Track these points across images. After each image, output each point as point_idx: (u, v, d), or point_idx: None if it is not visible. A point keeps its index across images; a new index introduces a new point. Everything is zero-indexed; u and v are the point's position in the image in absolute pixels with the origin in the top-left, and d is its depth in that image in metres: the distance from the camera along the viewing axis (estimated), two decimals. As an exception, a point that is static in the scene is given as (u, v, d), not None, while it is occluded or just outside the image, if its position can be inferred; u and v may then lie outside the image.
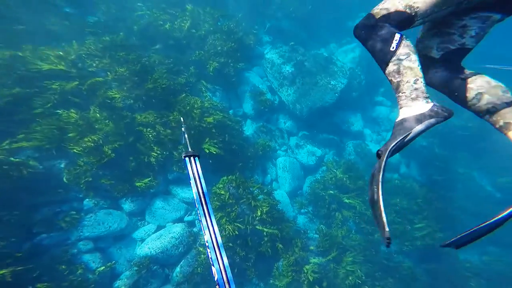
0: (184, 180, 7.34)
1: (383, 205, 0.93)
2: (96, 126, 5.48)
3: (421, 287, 7.14)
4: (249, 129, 8.86)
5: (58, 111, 5.57)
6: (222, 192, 5.98)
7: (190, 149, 1.64)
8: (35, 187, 5.49)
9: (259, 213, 5.88)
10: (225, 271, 1.13)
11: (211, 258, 1.15)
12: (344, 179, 8.24)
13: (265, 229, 5.86)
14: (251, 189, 6.75)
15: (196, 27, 8.84)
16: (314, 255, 6.82)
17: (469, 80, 1.10)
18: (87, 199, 6.20)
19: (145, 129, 5.85)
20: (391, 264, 7.36)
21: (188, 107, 6.52)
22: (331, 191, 8.02)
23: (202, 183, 1.40)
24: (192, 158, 1.54)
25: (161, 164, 6.53)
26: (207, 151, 6.25)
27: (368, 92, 10.75)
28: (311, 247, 6.92)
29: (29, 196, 5.36)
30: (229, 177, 6.56)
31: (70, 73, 5.94)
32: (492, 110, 1.03)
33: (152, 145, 5.93)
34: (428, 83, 1.28)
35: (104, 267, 5.83)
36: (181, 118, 2.30)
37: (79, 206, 6.16)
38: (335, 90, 9.17)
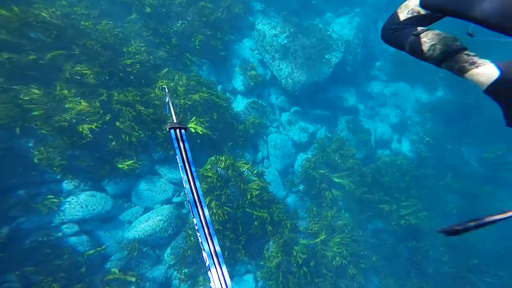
0: (170, 160, 7.05)
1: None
2: (67, 105, 5.01)
3: (402, 263, 7.42)
4: (239, 105, 8.46)
5: (15, 86, 5.03)
6: (210, 174, 5.77)
7: (175, 120, 1.51)
8: (3, 168, 5.16)
9: (248, 197, 5.76)
10: (216, 255, 1.09)
11: (201, 242, 1.11)
12: (336, 158, 8.14)
13: (255, 212, 5.78)
14: (241, 169, 6.58)
15: None
16: (303, 236, 6.88)
17: (421, 35, 1.21)
18: (66, 181, 5.92)
19: (124, 108, 5.41)
20: (375, 242, 7.56)
21: (171, 84, 6.06)
22: (321, 170, 7.95)
23: (189, 159, 1.33)
24: (178, 130, 1.41)
25: (144, 144, 6.20)
26: (193, 131, 5.93)
27: (363, 66, 10.30)
28: (301, 228, 6.98)
29: (-1, 178, 5.06)
30: (217, 157, 6.33)
31: (21, 44, 5.25)
32: (446, 57, 1.14)
33: (133, 124, 5.53)
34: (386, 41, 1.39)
35: (93, 251, 5.74)
36: (165, 86, 2.18)
37: (57, 188, 5.89)
38: (329, 64, 8.70)
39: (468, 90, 9.75)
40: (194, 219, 1.19)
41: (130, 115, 5.35)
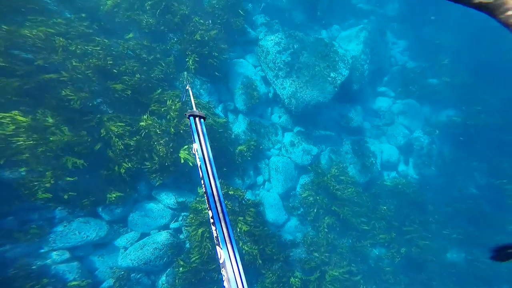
0: (168, 186, 6.80)
1: None
2: (51, 138, 4.72)
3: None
4: (240, 125, 8.14)
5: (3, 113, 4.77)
6: (202, 207, 5.46)
7: (195, 109, 1.53)
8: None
9: (243, 229, 5.42)
10: (232, 247, 1.09)
11: (216, 237, 1.11)
12: (334, 185, 7.87)
13: (245, 248, 5.45)
14: (236, 196, 6.27)
15: (171, 9, 7.62)
16: (299, 269, 6.57)
17: None
18: (59, 208, 5.71)
19: (114, 138, 5.11)
20: (374, 271, 7.36)
21: (163, 108, 5.74)
22: (318, 197, 7.71)
23: (207, 148, 1.34)
24: (197, 119, 1.44)
25: (137, 173, 5.92)
26: (182, 161, 5.62)
27: (370, 82, 9.86)
28: (296, 259, 6.68)
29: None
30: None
31: (6, 68, 5.00)
32: None
33: (121, 157, 5.25)
34: None
35: (78, 282, 5.48)
36: (186, 74, 1.99)
37: (50, 214, 5.67)
38: (335, 83, 8.29)
39: (479, 111, 9.29)
40: (210, 212, 1.17)
41: (119, 147, 5.03)
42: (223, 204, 1.18)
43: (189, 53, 7.07)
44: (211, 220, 1.14)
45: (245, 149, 7.56)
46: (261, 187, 8.12)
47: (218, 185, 1.25)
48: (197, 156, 1.34)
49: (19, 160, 4.84)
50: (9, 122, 4.80)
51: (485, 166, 9.08)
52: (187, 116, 1.46)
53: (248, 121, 8.17)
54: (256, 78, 8.46)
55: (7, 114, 4.89)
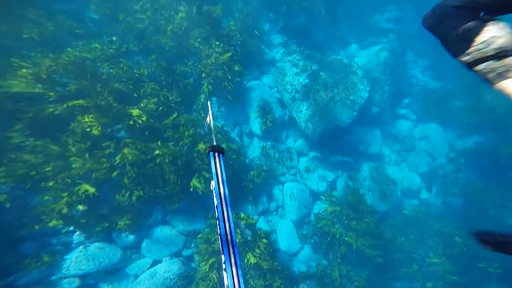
0: (183, 210, 6.71)
1: None
2: (74, 166, 4.77)
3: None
4: (255, 150, 7.98)
5: (36, 141, 4.90)
6: (214, 238, 5.29)
7: (215, 143, 1.53)
8: (13, 220, 5.01)
9: (250, 261, 5.22)
10: (238, 276, 1.10)
11: (224, 262, 1.12)
12: (350, 215, 7.48)
13: (251, 283, 5.23)
14: (247, 225, 6.09)
15: (189, 33, 7.68)
16: None
17: (489, 22, 0.95)
18: (78, 232, 5.75)
19: (127, 165, 5.08)
20: None
21: (177, 135, 5.68)
22: (333, 227, 7.32)
23: (225, 187, 1.34)
24: (216, 153, 1.45)
25: (152, 199, 5.87)
26: (191, 189, 5.53)
27: (390, 104, 9.47)
28: None
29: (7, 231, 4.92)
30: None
31: (44, 95, 5.15)
32: (496, 57, 0.91)
33: (134, 185, 5.23)
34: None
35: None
36: (208, 103, 2.17)
37: (68, 239, 5.73)
38: (353, 107, 8.01)
39: (508, 139, 8.68)
40: (222, 256, 1.16)
41: (132, 175, 5.02)
42: (235, 248, 1.17)
43: (204, 76, 7.05)
44: (223, 266, 1.13)
45: (258, 174, 7.39)
46: (274, 213, 7.87)
47: (233, 228, 1.23)
48: (214, 195, 1.33)
49: (43, 187, 4.91)
50: (41, 150, 4.92)
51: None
52: (207, 151, 1.47)
53: (263, 145, 8.00)
54: (272, 100, 8.32)
55: (39, 142, 5.01)
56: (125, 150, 5.19)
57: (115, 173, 5.29)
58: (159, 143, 5.54)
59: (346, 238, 7.21)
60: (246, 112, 8.19)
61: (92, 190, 4.75)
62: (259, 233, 6.29)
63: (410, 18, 13.65)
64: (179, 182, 5.67)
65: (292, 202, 7.72)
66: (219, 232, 1.21)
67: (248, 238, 6.16)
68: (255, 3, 10.34)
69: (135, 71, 6.50)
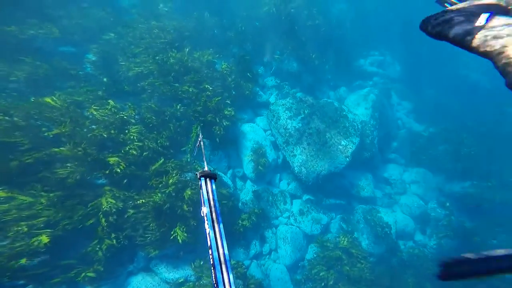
0: (169, 256, 6.28)
1: None
2: (43, 214, 4.44)
3: None
4: (248, 193, 7.81)
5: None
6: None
7: (206, 168, 1.50)
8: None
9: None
10: None
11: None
12: (343, 260, 7.31)
13: None
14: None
15: (183, 77, 7.82)
16: None
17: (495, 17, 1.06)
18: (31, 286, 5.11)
19: (100, 215, 4.80)
20: None
21: (161, 184, 5.49)
22: (330, 273, 7.16)
23: (217, 210, 1.31)
24: (207, 179, 1.41)
25: (132, 245, 5.50)
26: (171, 237, 5.25)
27: (380, 148, 9.76)
28: None
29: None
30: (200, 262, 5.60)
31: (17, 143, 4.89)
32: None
33: (107, 234, 4.91)
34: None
35: None
36: (198, 128, 2.31)
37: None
38: (346, 153, 8.16)
39: (493, 186, 9.07)
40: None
41: (103, 224, 4.71)
42: (230, 276, 1.10)
43: (193, 119, 7.04)
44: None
45: (250, 218, 7.17)
46: (267, 257, 7.55)
47: (228, 258, 1.16)
48: (205, 222, 1.26)
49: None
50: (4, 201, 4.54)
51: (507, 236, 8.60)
52: (198, 176, 1.40)
53: (256, 189, 7.88)
54: (266, 143, 8.35)
55: (3, 194, 4.63)
56: (102, 200, 4.91)
57: (90, 222, 4.96)
58: (144, 191, 5.31)
59: (339, 285, 7.00)
60: (240, 155, 8.13)
61: (46, 240, 4.34)
62: (251, 281, 5.94)
63: (390, 62, 14.78)
64: (161, 230, 5.40)
65: (285, 245, 7.48)
66: (212, 262, 1.13)
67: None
68: (250, 47, 10.85)
69: (122, 113, 6.34)
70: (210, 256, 1.13)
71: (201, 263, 6.25)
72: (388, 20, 15.87)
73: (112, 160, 5.17)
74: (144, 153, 5.93)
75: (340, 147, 8.21)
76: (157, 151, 6.23)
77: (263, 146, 8.18)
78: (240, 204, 7.60)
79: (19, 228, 4.41)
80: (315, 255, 7.64)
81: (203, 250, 6.35)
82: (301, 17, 11.62)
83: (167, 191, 5.56)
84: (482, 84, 13.78)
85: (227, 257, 1.15)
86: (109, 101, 6.51)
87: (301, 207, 8.23)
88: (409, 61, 14.60)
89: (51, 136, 5.34)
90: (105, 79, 7.46)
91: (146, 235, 5.47)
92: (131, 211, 5.25)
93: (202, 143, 1.92)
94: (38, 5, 8.35)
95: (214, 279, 1.07)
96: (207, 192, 1.36)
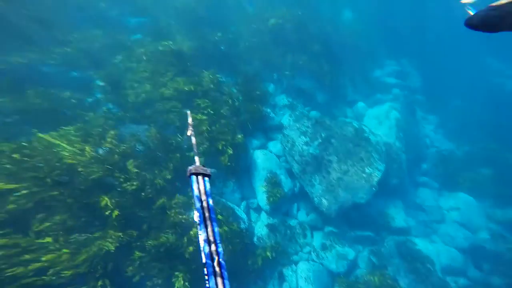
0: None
1: None
2: (43, 258, 3.84)
3: None
4: (263, 226, 7.07)
5: None
6: None
7: (198, 163, 1.31)
8: None
9: None
10: None
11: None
12: None
13: None
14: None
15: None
16: None
17: None
18: None
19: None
20: None
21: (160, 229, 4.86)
22: None
23: (212, 215, 1.11)
24: (200, 177, 1.22)
25: None
26: None
27: (408, 171, 8.77)
28: None
29: None
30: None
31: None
32: None
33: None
34: None
35: None
36: (188, 112, 1.72)
37: None
38: (371, 182, 7.29)
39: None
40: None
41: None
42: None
43: (201, 148, 6.48)
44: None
45: (267, 254, 6.43)
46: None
47: (224, 266, 0.97)
48: (198, 232, 1.07)
49: None
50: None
51: None
52: (188, 174, 1.22)
53: (272, 221, 7.13)
54: (280, 171, 7.65)
55: None
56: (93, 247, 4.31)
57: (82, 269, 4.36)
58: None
59: None
60: (253, 185, 7.46)
61: None
62: None
63: (409, 72, 13.81)
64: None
65: (308, 286, 6.59)
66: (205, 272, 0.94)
67: None
68: (258, 64, 10.39)
69: (123, 146, 5.82)
70: (206, 282, 0.93)
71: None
72: (403, 27, 15.11)
73: (104, 201, 4.57)
74: (142, 194, 5.29)
75: (364, 175, 7.36)
76: (157, 189, 5.57)
77: (278, 175, 7.48)
78: (255, 239, 6.88)
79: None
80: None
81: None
82: (309, 27, 11.12)
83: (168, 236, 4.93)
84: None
85: (223, 265, 0.98)
86: (111, 131, 6.06)
87: (323, 241, 7.37)
88: (430, 70, 13.59)
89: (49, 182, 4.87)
90: (110, 106, 7.16)
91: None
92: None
93: (192, 131, 1.61)
94: (48, 31, 8.31)
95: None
96: (199, 192, 1.17)
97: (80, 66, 7.99)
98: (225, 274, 0.95)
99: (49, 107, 6.36)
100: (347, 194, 7.07)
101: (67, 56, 7.86)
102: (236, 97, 8.40)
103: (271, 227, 7.04)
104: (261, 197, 7.21)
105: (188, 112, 1.82)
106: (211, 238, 1.04)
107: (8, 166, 4.12)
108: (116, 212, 4.43)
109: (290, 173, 7.83)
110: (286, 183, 7.52)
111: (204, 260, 0.98)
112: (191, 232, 5.10)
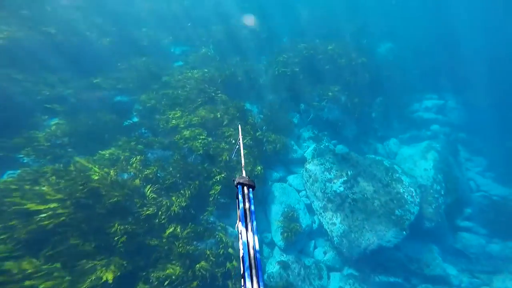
0: None
1: None
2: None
3: None
4: (274, 264, 6.66)
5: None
6: None
7: (244, 174, 1.47)
8: None
9: None
10: None
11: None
12: None
13: None
14: None
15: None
16: None
17: None
18: None
19: None
20: None
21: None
22: None
23: (253, 222, 1.19)
24: (245, 187, 1.35)
25: None
26: None
27: (447, 216, 7.75)
28: None
29: None
30: None
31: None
32: None
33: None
34: None
35: None
36: (239, 125, 2.18)
37: None
38: (401, 225, 6.59)
39: None
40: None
41: None
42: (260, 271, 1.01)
43: (213, 181, 6.47)
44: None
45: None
46: None
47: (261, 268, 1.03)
48: (240, 242, 1.12)
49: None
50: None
51: None
52: (235, 184, 1.37)
53: (285, 259, 6.69)
54: (299, 206, 7.32)
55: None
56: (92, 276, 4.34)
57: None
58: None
59: None
60: (268, 218, 7.21)
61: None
62: None
63: (453, 107, 12.67)
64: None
65: None
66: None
67: None
68: (285, 94, 10.49)
69: (146, 170, 6.10)
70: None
71: None
72: (449, 59, 14.22)
73: (114, 227, 4.72)
74: (157, 219, 5.40)
75: (393, 217, 6.68)
76: (170, 216, 5.66)
77: (296, 210, 7.16)
78: (265, 277, 6.48)
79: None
80: None
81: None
82: (342, 58, 11.04)
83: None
84: None
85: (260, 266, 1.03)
86: (137, 156, 6.43)
87: (341, 284, 6.66)
88: (479, 106, 12.36)
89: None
90: (143, 130, 7.71)
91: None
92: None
93: (241, 144, 1.83)
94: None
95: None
96: (244, 203, 1.27)
97: (126, 91, 8.89)
98: (260, 274, 1.02)
99: (92, 130, 7.09)
100: (372, 236, 6.44)
101: (118, 81, 8.89)
102: (260, 126, 8.51)
103: (283, 265, 6.60)
104: (276, 233, 6.90)
105: (239, 125, 2.19)
106: (251, 243, 1.10)
107: (44, 188, 4.56)
108: (123, 239, 4.54)
109: (309, 208, 7.45)
110: (304, 219, 7.14)
111: (242, 265, 1.04)
112: (197, 266, 4.98)
